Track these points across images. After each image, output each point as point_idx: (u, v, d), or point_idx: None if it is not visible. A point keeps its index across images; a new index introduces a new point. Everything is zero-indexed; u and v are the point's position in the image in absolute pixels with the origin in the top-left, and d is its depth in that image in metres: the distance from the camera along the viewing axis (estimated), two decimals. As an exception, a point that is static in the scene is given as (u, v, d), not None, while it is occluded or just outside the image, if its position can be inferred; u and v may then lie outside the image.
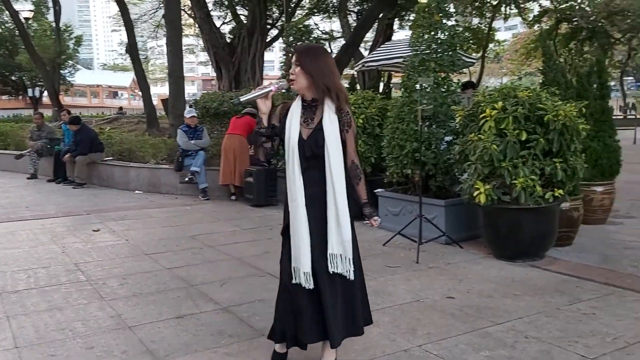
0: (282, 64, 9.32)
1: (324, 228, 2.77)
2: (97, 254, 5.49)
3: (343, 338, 2.87)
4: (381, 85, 16.38)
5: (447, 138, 6.00)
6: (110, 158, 10.77)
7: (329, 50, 22.63)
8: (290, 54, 2.81)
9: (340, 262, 2.76)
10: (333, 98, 2.78)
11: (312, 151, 2.75)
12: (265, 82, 7.43)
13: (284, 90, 2.86)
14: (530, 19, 24.12)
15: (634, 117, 24.83)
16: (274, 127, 2.85)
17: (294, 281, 2.78)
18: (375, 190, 6.61)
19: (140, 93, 17.70)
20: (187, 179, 9.00)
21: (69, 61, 31.64)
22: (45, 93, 27.70)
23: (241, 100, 2.86)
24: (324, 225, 2.77)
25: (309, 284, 2.75)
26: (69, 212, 7.86)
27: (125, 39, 17.13)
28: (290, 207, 2.80)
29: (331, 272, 2.76)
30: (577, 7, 21.82)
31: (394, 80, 16.22)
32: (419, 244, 5.30)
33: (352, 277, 2.79)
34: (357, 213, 2.89)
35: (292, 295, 2.83)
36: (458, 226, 5.75)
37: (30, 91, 31.40)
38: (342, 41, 19.66)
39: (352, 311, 2.85)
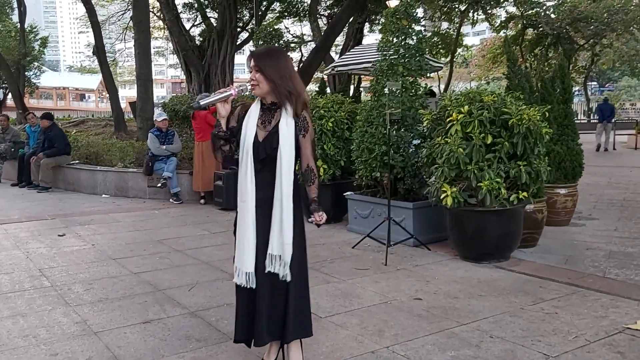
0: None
1: (269, 230, 2.79)
2: (62, 259, 5.40)
3: (267, 341, 2.89)
4: (351, 88, 16.48)
5: (415, 141, 6.07)
6: (76, 162, 10.58)
7: (300, 54, 22.68)
8: (249, 57, 2.79)
9: (278, 263, 2.77)
10: (292, 102, 2.80)
11: (266, 153, 2.77)
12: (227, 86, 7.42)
13: (246, 94, 2.86)
14: (497, 24, 24.54)
15: (596, 121, 25.44)
16: (232, 130, 2.85)
17: (235, 280, 2.82)
18: (345, 194, 6.65)
19: (107, 96, 17.43)
20: (159, 185, 8.94)
21: (35, 63, 30.95)
22: (10, 95, 27.06)
23: (201, 103, 2.84)
24: (270, 226, 2.79)
25: (251, 284, 2.77)
26: (33, 216, 7.71)
27: (92, 40, 16.86)
28: (239, 208, 2.82)
29: (267, 272, 2.77)
30: (542, 14, 22.27)
31: (364, 84, 16.34)
32: (387, 247, 5.35)
33: (288, 279, 2.79)
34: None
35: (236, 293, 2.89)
36: (426, 228, 5.82)
37: (-7, 93, 30.66)
38: (313, 45, 19.69)
39: (280, 317, 2.83)
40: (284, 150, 2.75)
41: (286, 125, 2.78)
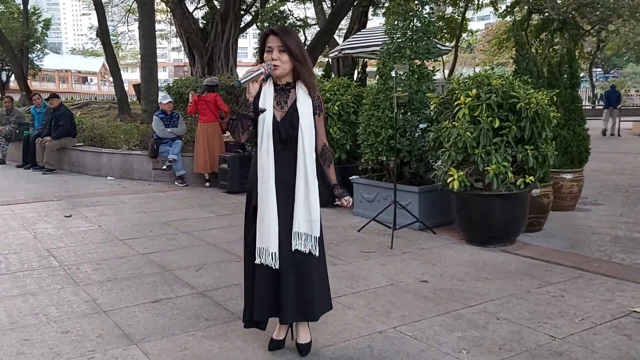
0: (256, 50, 9.26)
1: (291, 210, 2.80)
2: (69, 240, 5.43)
3: (295, 319, 2.92)
4: (355, 72, 16.40)
5: (422, 125, 6.06)
6: (81, 144, 10.59)
7: (303, 37, 22.61)
8: (265, 36, 2.72)
9: (305, 240, 2.79)
10: (308, 82, 2.81)
11: (288, 133, 2.77)
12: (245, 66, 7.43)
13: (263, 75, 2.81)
14: (501, 10, 24.38)
15: (602, 107, 25.41)
16: (262, 110, 2.78)
17: (257, 261, 2.81)
18: (351, 177, 6.66)
19: (110, 78, 17.41)
20: (165, 167, 8.95)
21: (37, 45, 30.89)
22: (13, 77, 27.04)
23: (241, 82, 2.71)
24: (292, 207, 2.80)
25: (275, 265, 2.78)
26: (39, 197, 7.73)
27: (95, 23, 16.81)
28: (260, 189, 2.80)
29: (293, 250, 2.79)
30: (548, -1, 22.14)
31: (369, 68, 16.26)
32: (393, 230, 5.37)
33: (317, 253, 2.82)
34: (326, 199, 2.94)
35: (253, 275, 2.87)
36: (431, 212, 5.83)
37: (-4, 75, 30.66)
38: (317, 28, 19.58)
39: (308, 295, 2.85)
40: (305, 128, 2.76)
41: (304, 104, 2.79)
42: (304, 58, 2.77)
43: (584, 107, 7.20)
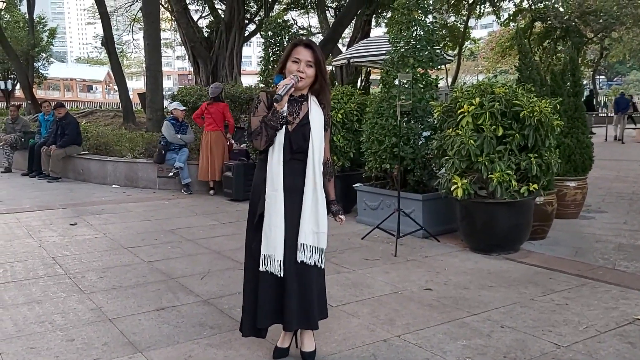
0: (260, 59, 9.31)
1: (297, 219, 2.83)
2: (75, 248, 5.45)
3: (298, 327, 2.94)
4: (359, 81, 16.46)
5: (425, 133, 6.08)
6: (86, 152, 10.64)
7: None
8: (295, 46, 2.73)
9: (310, 252, 2.82)
10: (328, 99, 2.90)
11: (299, 144, 2.82)
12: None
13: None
14: (504, 18, 24.42)
15: (605, 115, 25.60)
16: (287, 122, 2.81)
17: (261, 269, 2.83)
18: (354, 185, 6.67)
19: (115, 87, 17.49)
20: (171, 174, 9.01)
21: (43, 54, 31.05)
22: (18, 86, 27.20)
23: (282, 95, 2.71)
24: (299, 216, 2.83)
25: (280, 272, 2.80)
26: (45, 206, 7.77)
27: (100, 32, 16.91)
28: (268, 197, 2.83)
29: (299, 262, 2.81)
30: (551, 7, 22.14)
31: (373, 76, 16.31)
32: (397, 238, 5.38)
33: (323, 266, 2.88)
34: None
35: (255, 283, 2.89)
36: (435, 220, 5.84)
37: (2, 84, 30.77)
38: (320, 37, 19.66)
39: (309, 303, 2.88)
40: (316, 141, 2.81)
41: (317, 116, 2.85)
42: (327, 75, 2.86)
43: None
